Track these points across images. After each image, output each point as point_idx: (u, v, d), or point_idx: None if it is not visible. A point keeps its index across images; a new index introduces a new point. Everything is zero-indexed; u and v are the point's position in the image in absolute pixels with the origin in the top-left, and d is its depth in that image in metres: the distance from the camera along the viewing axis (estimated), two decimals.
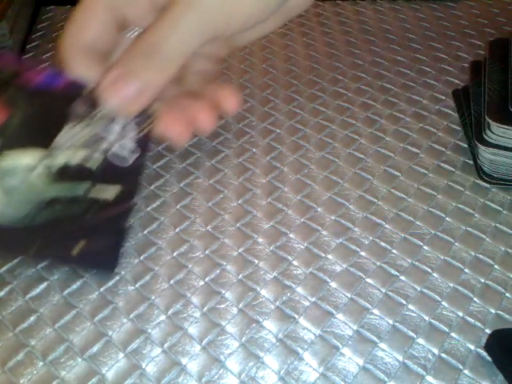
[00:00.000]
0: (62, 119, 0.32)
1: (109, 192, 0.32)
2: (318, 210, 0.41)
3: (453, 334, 0.34)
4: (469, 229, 0.40)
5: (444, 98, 0.52)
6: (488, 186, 0.43)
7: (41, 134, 0.31)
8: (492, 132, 0.42)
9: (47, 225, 0.31)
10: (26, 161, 0.31)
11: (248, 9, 0.24)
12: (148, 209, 0.41)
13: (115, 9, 0.26)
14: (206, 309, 0.35)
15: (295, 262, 0.38)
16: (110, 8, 0.26)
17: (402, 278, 0.37)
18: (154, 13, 0.25)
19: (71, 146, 0.32)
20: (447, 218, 0.41)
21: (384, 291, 0.36)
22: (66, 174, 0.31)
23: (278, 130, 0.48)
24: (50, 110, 0.33)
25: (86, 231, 0.32)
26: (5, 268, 0.37)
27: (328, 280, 0.37)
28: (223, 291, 0.36)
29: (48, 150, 0.31)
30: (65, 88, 0.33)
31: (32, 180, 0.31)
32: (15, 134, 0.31)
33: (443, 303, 0.36)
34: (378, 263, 0.38)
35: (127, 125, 0.32)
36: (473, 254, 0.39)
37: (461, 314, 0.35)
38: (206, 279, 0.37)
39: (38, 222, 0.31)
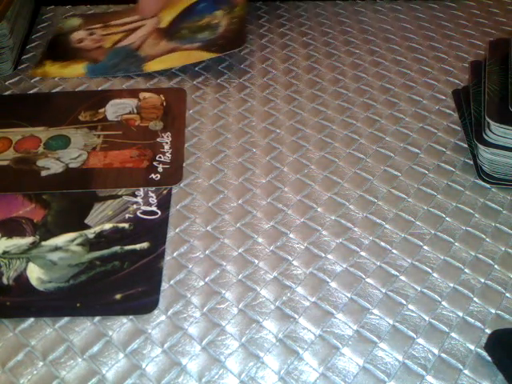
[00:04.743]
0: (90, 204, 0.41)
1: (140, 246, 0.38)
2: (318, 210, 0.41)
3: (453, 334, 0.34)
4: (469, 229, 0.40)
5: (444, 97, 0.52)
6: (488, 186, 0.43)
7: (75, 219, 0.40)
8: (492, 132, 0.42)
9: (89, 281, 0.36)
10: (66, 238, 0.38)
11: None
12: None
13: None
14: (206, 309, 0.35)
15: (295, 262, 0.38)
16: None
17: (402, 278, 0.37)
18: None
19: (102, 218, 0.40)
20: (447, 218, 0.41)
21: (384, 291, 0.36)
22: (101, 238, 0.38)
23: (277, 130, 0.48)
24: (79, 200, 0.41)
25: (125, 280, 0.36)
26: None
27: (328, 280, 0.37)
28: (223, 291, 0.36)
29: (83, 227, 0.39)
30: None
31: (73, 248, 0.38)
32: (54, 223, 0.39)
33: (443, 303, 0.36)
34: (378, 263, 0.38)
35: (148, 191, 0.42)
36: (473, 254, 0.39)
37: (461, 314, 0.35)
38: (206, 279, 0.37)
39: (81, 280, 0.36)
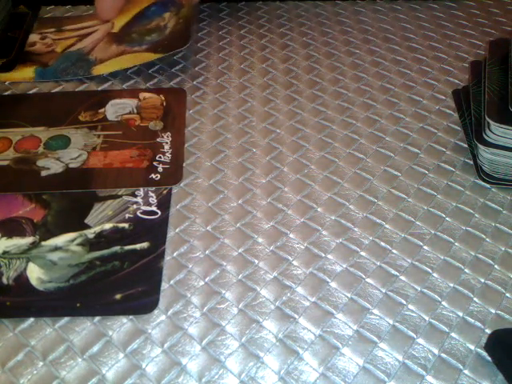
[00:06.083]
0: (90, 204, 0.41)
1: (140, 246, 0.38)
2: (318, 210, 0.41)
3: (453, 334, 0.34)
4: (469, 229, 0.40)
5: (444, 97, 0.52)
6: (488, 186, 0.43)
7: (75, 219, 0.40)
8: (492, 132, 0.42)
9: (89, 281, 0.36)
10: (66, 238, 0.38)
11: None
12: None
13: None
14: (206, 309, 0.35)
15: (295, 262, 0.38)
16: None
17: (402, 278, 0.37)
18: None
19: (102, 218, 0.40)
20: (447, 218, 0.41)
21: (384, 291, 0.36)
22: (101, 238, 0.38)
23: (277, 130, 0.48)
24: (79, 200, 0.41)
25: (125, 280, 0.36)
26: None
27: (328, 280, 0.37)
28: (223, 291, 0.36)
29: (83, 227, 0.39)
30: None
31: (73, 249, 0.38)
32: (54, 223, 0.39)
33: (443, 303, 0.36)
34: (378, 263, 0.38)
35: (148, 191, 0.42)
36: (473, 253, 0.39)
37: (461, 314, 0.35)
38: (206, 279, 0.37)
39: (81, 280, 0.36)
